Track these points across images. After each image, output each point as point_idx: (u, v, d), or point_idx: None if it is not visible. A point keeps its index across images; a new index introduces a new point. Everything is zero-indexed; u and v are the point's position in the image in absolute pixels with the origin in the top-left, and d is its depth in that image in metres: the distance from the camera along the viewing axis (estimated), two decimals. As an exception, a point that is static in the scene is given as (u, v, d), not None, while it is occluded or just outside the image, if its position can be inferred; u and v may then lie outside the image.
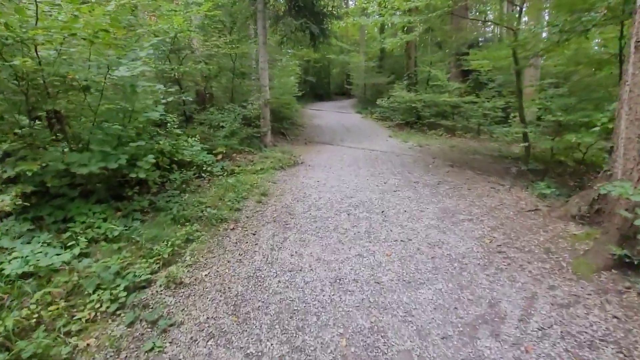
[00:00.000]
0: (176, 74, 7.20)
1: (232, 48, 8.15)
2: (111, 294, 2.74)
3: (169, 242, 3.48)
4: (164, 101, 5.44)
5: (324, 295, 2.89)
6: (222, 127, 7.71)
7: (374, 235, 3.96)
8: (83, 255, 3.15)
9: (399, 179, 6.26)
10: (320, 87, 25.74)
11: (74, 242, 3.24)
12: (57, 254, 2.99)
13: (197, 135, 6.44)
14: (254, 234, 4.09)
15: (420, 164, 7.46)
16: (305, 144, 10.36)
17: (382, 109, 15.26)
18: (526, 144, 6.16)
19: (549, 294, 2.83)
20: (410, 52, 14.44)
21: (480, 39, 17.96)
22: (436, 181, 6.05)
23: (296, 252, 3.62)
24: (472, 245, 3.66)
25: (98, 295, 2.72)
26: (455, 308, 2.70)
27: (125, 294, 2.77)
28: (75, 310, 2.60)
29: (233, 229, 4.23)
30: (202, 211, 4.45)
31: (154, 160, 4.14)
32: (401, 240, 3.81)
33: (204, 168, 5.92)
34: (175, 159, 5.67)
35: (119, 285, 2.83)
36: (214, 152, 6.92)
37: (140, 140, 4.40)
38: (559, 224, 4.06)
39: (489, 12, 19.93)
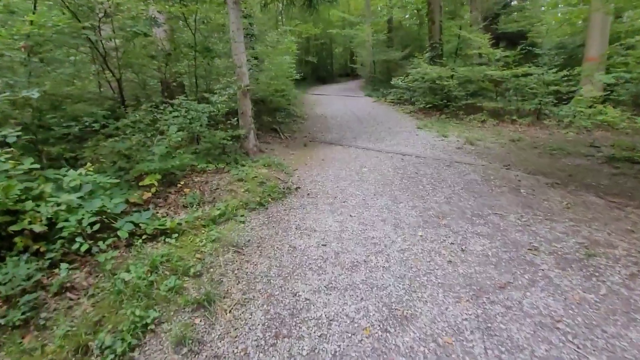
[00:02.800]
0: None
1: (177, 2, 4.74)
2: None
3: None
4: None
5: None
6: (163, 137, 4.40)
7: None
8: None
9: (484, 234, 2.93)
10: (322, 69, 22.01)
11: None
12: None
13: (90, 161, 3.16)
14: None
15: (497, 184, 4.10)
16: (305, 145, 7.02)
17: (398, 90, 11.68)
18: None
19: None
20: (433, 16, 10.66)
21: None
22: (572, 241, 2.71)
23: None
24: None
25: None
26: None
27: None
28: None
29: None
30: None
31: None
32: None
33: (75, 243, 2.54)
34: (27, 227, 2.46)
35: None
36: (140, 184, 3.68)
37: None
38: None
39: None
